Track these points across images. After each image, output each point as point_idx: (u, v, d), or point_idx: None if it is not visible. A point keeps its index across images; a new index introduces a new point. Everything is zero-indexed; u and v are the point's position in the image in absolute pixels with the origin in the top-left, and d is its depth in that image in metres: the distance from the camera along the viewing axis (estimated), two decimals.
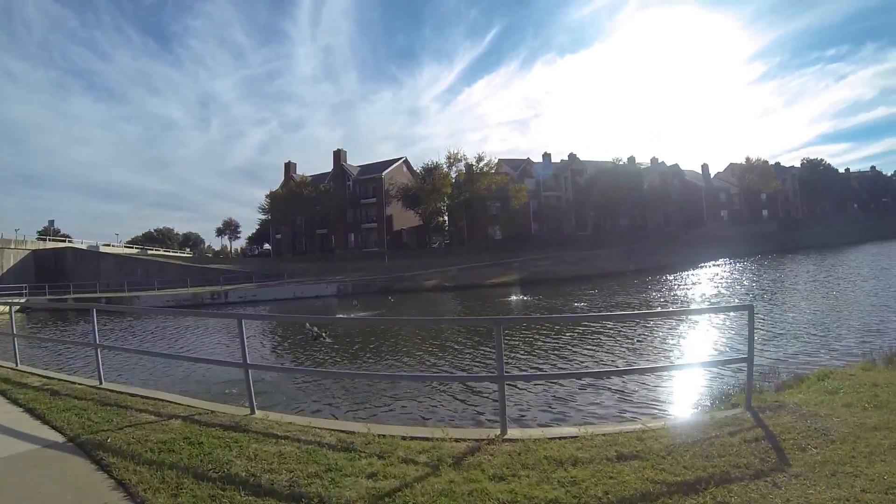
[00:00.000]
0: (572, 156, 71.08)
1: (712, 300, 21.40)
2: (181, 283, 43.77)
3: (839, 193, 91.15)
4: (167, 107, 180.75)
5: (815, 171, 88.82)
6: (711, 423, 4.64)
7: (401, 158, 68.70)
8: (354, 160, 69.34)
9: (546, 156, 71.47)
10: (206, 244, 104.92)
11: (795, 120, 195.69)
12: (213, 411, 5.27)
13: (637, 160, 71.35)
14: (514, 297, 26.85)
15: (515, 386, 8.90)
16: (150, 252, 64.92)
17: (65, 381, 7.19)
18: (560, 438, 4.35)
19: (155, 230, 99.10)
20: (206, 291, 38.64)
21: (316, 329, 16.29)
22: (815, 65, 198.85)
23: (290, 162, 70.68)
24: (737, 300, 20.82)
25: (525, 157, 68.95)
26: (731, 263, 42.47)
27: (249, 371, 5.49)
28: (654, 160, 74.91)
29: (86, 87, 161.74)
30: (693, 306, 20.06)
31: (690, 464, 3.64)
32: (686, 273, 35.81)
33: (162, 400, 5.80)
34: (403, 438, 4.31)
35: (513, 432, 4.60)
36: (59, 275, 47.68)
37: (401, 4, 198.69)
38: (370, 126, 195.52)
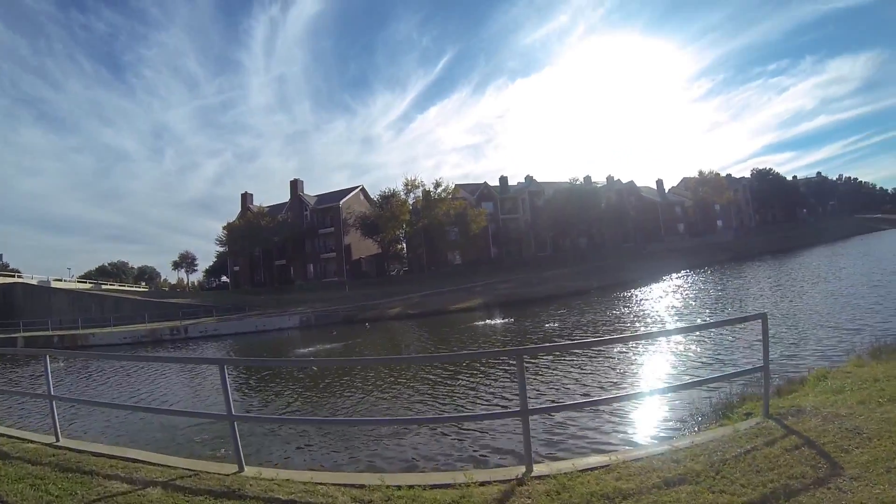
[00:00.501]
0: (529, 178, 72.26)
1: (682, 312, 21.65)
2: (138, 318, 41.29)
3: (789, 200, 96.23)
4: (120, 137, 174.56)
5: (764, 181, 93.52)
6: (739, 435, 4.45)
7: (357, 187, 68.29)
8: (310, 190, 68.42)
9: (503, 179, 72.39)
10: (163, 278, 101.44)
11: (742, 132, 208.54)
12: (196, 472, 4.55)
13: (593, 179, 72.52)
14: (484, 322, 26.25)
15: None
16: (104, 287, 61.36)
17: (15, 438, 6.21)
18: (592, 469, 4.01)
19: (109, 264, 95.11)
20: (164, 327, 36.76)
21: None
22: (757, 79, 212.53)
23: (246, 192, 68.92)
24: (708, 311, 21.20)
25: (482, 182, 69.76)
26: (692, 275, 43.32)
27: (235, 423, 4.82)
28: (610, 178, 76.53)
29: (36, 116, 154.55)
30: (677, 319, 20.09)
31: (746, 481, 3.44)
32: (649, 287, 36.19)
33: (132, 460, 5.01)
34: (424, 488, 3.82)
35: (539, 468, 4.21)
36: (8, 311, 45.13)
37: (354, 33, 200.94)
38: (324, 155, 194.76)
